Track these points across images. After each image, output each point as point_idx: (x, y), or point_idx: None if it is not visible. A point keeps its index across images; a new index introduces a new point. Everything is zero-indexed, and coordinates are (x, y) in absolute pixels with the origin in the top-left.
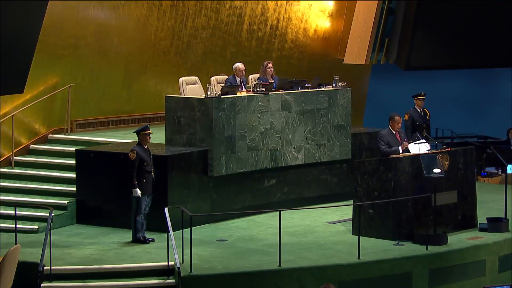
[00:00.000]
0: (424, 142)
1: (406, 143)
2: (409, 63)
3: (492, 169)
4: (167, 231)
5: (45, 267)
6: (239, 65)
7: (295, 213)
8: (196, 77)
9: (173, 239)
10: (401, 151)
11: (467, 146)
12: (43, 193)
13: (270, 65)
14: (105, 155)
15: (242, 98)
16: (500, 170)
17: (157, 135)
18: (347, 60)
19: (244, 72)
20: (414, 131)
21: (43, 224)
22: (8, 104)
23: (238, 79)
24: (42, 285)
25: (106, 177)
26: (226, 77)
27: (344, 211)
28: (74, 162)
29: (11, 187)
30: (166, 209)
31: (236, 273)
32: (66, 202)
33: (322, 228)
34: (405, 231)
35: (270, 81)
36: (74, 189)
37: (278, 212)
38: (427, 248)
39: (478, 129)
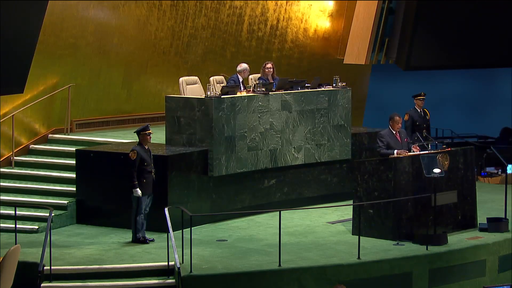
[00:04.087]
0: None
1: (404, 152)
2: (409, 63)
3: (492, 169)
4: (167, 231)
5: (45, 267)
6: (247, 66)
7: (295, 213)
8: (196, 77)
9: (173, 239)
10: (395, 155)
11: (467, 146)
12: (43, 193)
13: (268, 65)
14: (105, 155)
15: (242, 98)
16: (500, 170)
17: (157, 135)
18: (347, 60)
19: (249, 73)
20: (414, 131)
21: (43, 224)
22: (8, 104)
23: (241, 79)
24: (42, 285)
25: (106, 177)
26: (223, 77)
27: (344, 211)
28: (74, 162)
29: (11, 187)
30: (166, 209)
31: (236, 273)
32: (66, 202)
33: (322, 228)
34: (405, 231)
35: (270, 81)
36: (74, 189)
37: (278, 212)
38: (427, 248)
39: (478, 129)
